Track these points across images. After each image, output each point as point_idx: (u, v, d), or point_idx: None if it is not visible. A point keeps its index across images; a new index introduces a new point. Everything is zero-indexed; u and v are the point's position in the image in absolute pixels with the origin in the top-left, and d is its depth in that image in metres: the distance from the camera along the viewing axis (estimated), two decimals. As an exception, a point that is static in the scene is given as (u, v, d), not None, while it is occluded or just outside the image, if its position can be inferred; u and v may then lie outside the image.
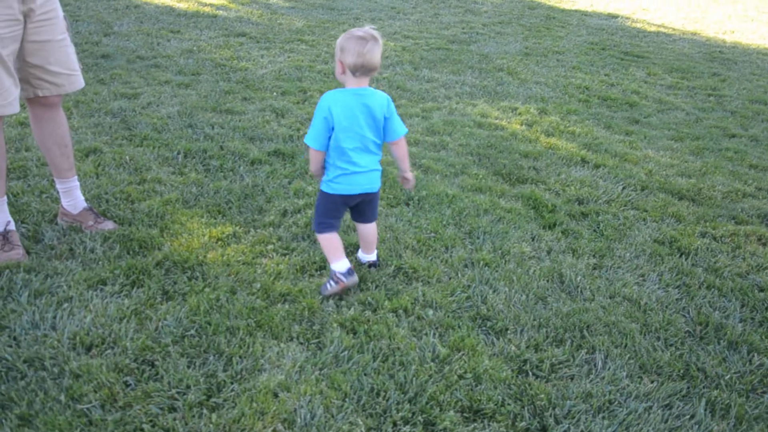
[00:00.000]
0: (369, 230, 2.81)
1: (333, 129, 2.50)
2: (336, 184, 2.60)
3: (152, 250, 2.88)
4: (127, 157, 3.78)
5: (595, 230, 3.32)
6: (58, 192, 3.13)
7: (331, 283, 2.63)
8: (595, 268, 2.99)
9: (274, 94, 5.07)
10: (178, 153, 3.87)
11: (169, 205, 3.26)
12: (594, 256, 3.08)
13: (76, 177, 3.10)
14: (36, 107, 2.90)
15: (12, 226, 2.87)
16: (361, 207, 2.74)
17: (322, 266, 2.82)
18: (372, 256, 2.88)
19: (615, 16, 9.31)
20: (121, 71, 5.45)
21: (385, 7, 9.02)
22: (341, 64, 2.47)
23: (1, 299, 2.52)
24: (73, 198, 3.08)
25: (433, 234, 3.16)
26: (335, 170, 2.58)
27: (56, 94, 2.91)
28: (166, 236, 2.99)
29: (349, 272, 2.63)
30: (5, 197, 2.88)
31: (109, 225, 3.04)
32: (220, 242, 2.96)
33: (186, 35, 6.81)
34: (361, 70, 2.46)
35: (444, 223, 3.27)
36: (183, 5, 8.45)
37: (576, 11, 9.56)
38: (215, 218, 3.17)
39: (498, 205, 3.49)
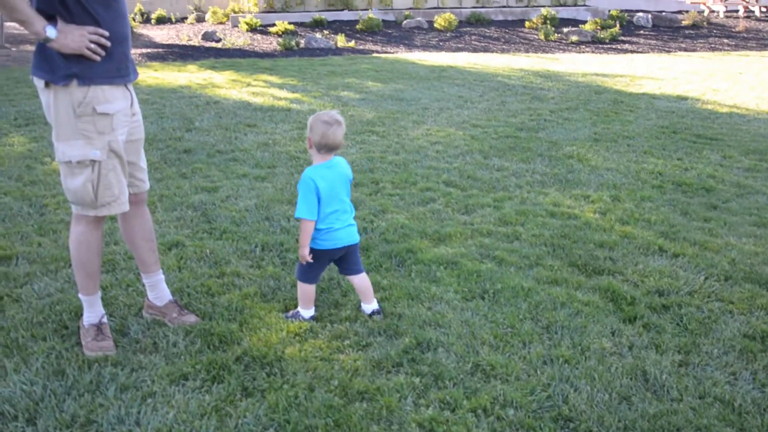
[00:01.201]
0: (362, 280, 3.19)
1: (319, 200, 2.97)
2: (322, 241, 3.05)
3: (232, 344, 2.94)
4: (208, 251, 3.93)
5: (678, 324, 3.21)
6: (144, 285, 3.26)
7: (293, 319, 3.12)
8: (681, 365, 2.87)
9: (347, 185, 5.20)
10: (256, 246, 3.99)
11: (247, 299, 3.35)
12: (679, 352, 2.96)
13: (161, 270, 3.23)
14: None
15: (105, 319, 3.01)
16: (346, 259, 3.16)
17: (399, 362, 2.82)
18: (373, 305, 3.19)
19: (684, 98, 9.25)
20: (201, 165, 5.72)
21: (453, 96, 9.24)
22: (310, 140, 2.99)
23: (90, 393, 2.61)
24: (158, 291, 3.20)
25: (509, 329, 3.12)
26: (320, 232, 3.03)
27: (144, 191, 3.09)
28: (245, 330, 3.06)
29: (312, 319, 3.13)
30: (99, 291, 3.03)
31: (191, 318, 3.14)
32: (297, 337, 3.00)
33: (262, 129, 7.13)
34: (325, 148, 2.98)
35: (520, 317, 3.22)
36: (258, 100, 8.88)
37: (644, 94, 9.55)
38: (292, 312, 3.22)
39: (575, 297, 3.43)
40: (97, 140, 2.70)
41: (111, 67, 2.71)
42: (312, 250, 3.05)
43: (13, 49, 15.62)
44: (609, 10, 19.09)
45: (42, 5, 2.60)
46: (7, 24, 17.87)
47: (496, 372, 2.77)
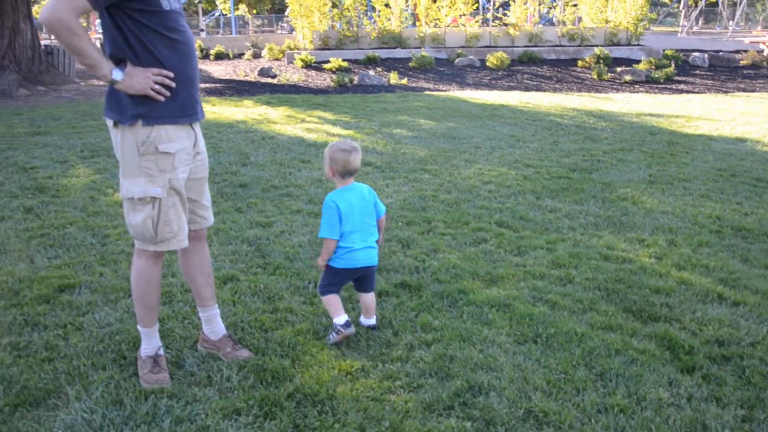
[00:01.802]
0: (369, 299, 3.43)
1: (341, 220, 3.22)
2: (342, 260, 3.29)
3: (284, 381, 2.97)
4: (262, 286, 3.99)
5: (740, 377, 3.11)
6: (199, 318, 3.33)
7: (334, 334, 3.27)
8: (744, 421, 2.77)
9: (399, 224, 5.24)
10: (309, 282, 4.04)
11: (300, 335, 3.38)
12: (742, 406, 2.87)
13: (216, 305, 3.30)
14: None
15: (162, 351, 3.08)
16: (363, 279, 3.40)
17: (450, 405, 2.80)
18: (372, 321, 3.43)
19: (743, 140, 9.05)
20: (256, 200, 5.85)
21: (505, 135, 9.25)
22: (332, 169, 3.24)
23: (147, 424, 2.66)
24: (213, 325, 3.26)
25: (563, 375, 3.07)
26: (339, 250, 3.27)
27: (204, 227, 3.18)
28: (297, 367, 3.08)
29: (347, 324, 3.25)
30: (157, 324, 3.11)
31: (244, 353, 3.18)
32: (349, 376, 3.01)
33: (315, 165, 7.25)
34: (347, 174, 3.26)
35: (574, 363, 3.17)
36: (312, 136, 9.05)
37: (700, 136, 9.38)
38: (344, 351, 3.24)
39: (630, 344, 3.36)
40: (158, 178, 2.80)
41: (175, 107, 2.81)
42: (332, 269, 3.32)
43: (82, 83, 16.33)
44: (663, 50, 18.93)
45: (113, 50, 2.75)
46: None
47: (549, 419, 2.72)
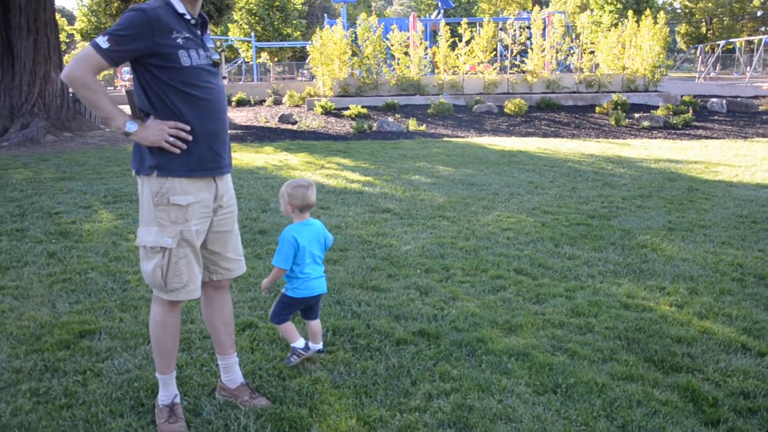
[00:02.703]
0: (317, 325, 3.67)
1: (296, 252, 3.44)
2: (300, 290, 3.53)
3: (302, 430, 2.95)
4: (280, 333, 3.99)
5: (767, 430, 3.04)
6: (218, 366, 3.34)
7: (294, 357, 3.57)
8: (770, 477, 2.70)
9: (418, 271, 5.24)
10: (327, 330, 4.04)
11: (318, 384, 3.37)
12: (768, 461, 2.80)
13: (236, 353, 3.31)
14: (208, 289, 3.20)
15: (178, 399, 3.08)
16: (313, 307, 3.64)
17: (469, 458, 2.76)
18: (320, 345, 3.66)
19: (764, 186, 8.99)
20: (275, 246, 5.87)
21: (523, 182, 9.27)
22: (291, 205, 3.44)
23: (163, 475, 2.65)
24: (232, 374, 3.27)
25: (583, 426, 3.02)
26: (297, 281, 3.51)
27: (228, 278, 3.21)
28: (314, 417, 3.07)
29: (306, 347, 3.57)
30: (174, 371, 3.12)
31: (262, 402, 3.18)
32: (367, 426, 2.99)
33: (335, 211, 7.31)
34: (306, 208, 3.48)
35: (594, 414, 3.12)
36: (332, 182, 9.14)
37: (720, 182, 9.34)
38: (362, 400, 3.22)
39: (652, 396, 3.31)
40: (169, 229, 2.85)
41: (191, 160, 2.86)
42: (290, 298, 3.55)
43: (107, 129, 16.68)
44: (681, 96, 18.98)
45: (140, 102, 2.87)
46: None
47: (570, 473, 2.67)
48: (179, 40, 2.77)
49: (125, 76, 41.39)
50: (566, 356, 3.75)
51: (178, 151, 2.80)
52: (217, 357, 3.34)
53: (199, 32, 2.90)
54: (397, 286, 4.86)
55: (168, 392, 3.08)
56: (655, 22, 19.34)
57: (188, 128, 2.81)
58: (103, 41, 2.67)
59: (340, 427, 2.98)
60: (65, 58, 22.37)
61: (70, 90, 17.86)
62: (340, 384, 3.39)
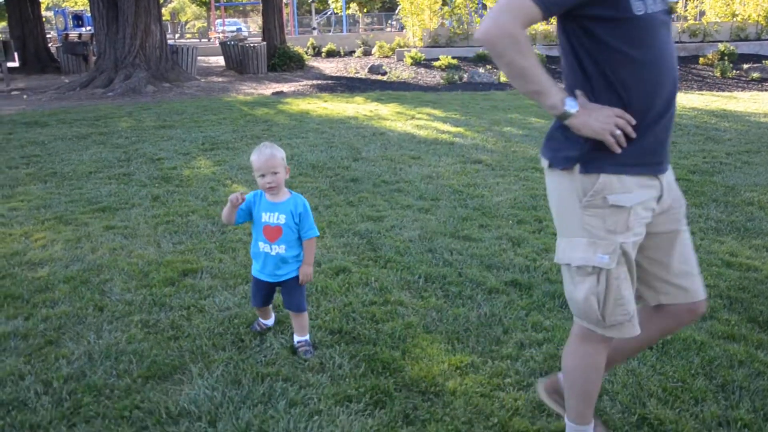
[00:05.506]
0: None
1: None
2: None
3: (394, 372, 3.02)
4: (373, 279, 4.06)
5: None
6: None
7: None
8: None
9: (510, 222, 5.18)
10: (419, 277, 4.08)
11: (410, 328, 3.42)
12: None
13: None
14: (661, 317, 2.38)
15: None
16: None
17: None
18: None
19: None
20: (367, 194, 5.95)
21: (620, 134, 8.94)
22: (288, 170, 3.14)
23: (263, 404, 2.78)
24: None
25: (680, 383, 2.94)
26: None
27: (681, 302, 2.31)
28: (407, 359, 3.12)
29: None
30: (593, 422, 2.42)
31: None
32: (458, 370, 3.02)
33: (426, 161, 7.29)
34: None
35: (692, 372, 3.03)
36: (423, 133, 9.10)
37: (839, 138, 8.70)
38: (454, 345, 3.25)
39: (755, 357, 3.18)
40: (605, 241, 2.08)
41: (633, 151, 2.05)
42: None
43: (202, 80, 17.18)
44: (798, 45, 17.65)
45: (567, 78, 2.14)
46: (199, 57, 19.66)
47: (665, 427, 2.62)
48: None
49: (218, 28, 41.72)
50: (664, 312, 3.64)
51: (618, 149, 2.02)
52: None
53: None
54: (488, 237, 4.82)
55: None
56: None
57: (634, 122, 2.02)
58: None
59: (432, 370, 3.02)
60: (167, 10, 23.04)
61: (170, 42, 18.42)
62: (432, 329, 3.43)
